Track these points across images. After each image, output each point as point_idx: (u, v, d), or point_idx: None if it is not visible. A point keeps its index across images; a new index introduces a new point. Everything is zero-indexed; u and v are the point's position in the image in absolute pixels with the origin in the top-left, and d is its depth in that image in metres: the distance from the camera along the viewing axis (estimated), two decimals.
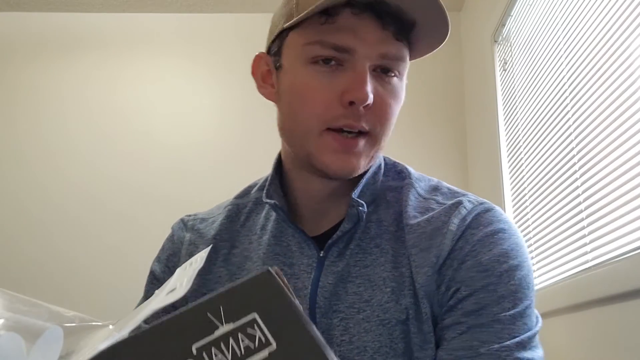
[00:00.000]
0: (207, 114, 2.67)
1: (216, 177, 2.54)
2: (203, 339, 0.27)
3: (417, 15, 0.63)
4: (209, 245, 0.73)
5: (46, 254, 2.46)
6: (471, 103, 2.60)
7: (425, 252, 0.64)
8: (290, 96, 0.67)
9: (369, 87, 0.62)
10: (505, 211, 2.05)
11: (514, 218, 2.01)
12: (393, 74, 0.66)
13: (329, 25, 0.62)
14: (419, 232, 0.66)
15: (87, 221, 2.51)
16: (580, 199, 1.46)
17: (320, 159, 0.65)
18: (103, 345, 0.28)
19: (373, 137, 0.66)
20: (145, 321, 0.36)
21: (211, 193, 2.49)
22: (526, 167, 1.89)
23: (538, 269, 1.73)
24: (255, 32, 2.76)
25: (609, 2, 1.34)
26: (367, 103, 0.62)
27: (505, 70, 2.15)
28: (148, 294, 0.75)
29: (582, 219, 1.44)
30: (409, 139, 2.52)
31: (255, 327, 0.28)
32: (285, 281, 0.30)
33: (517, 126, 2.00)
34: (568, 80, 1.57)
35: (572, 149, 1.52)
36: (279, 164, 0.75)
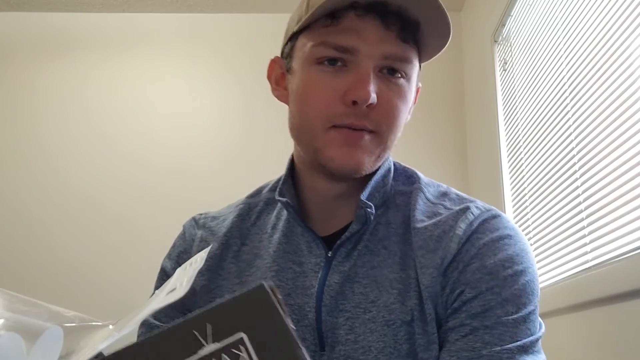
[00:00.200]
0: (207, 114, 2.67)
1: (216, 176, 2.55)
2: (186, 358, 0.27)
3: (420, 15, 0.64)
4: (220, 243, 0.75)
5: (46, 254, 2.46)
6: (471, 103, 2.60)
7: (431, 254, 0.65)
8: (297, 96, 0.69)
9: (371, 87, 0.63)
10: (505, 211, 2.05)
11: (514, 218, 2.01)
12: (399, 75, 0.66)
13: (333, 27, 0.64)
14: (427, 235, 0.67)
15: (87, 221, 2.51)
16: (580, 199, 1.46)
17: (325, 154, 0.66)
18: (103, 345, 0.28)
19: (379, 135, 0.67)
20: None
21: (211, 193, 2.51)
22: (526, 167, 1.89)
23: (538, 269, 1.73)
24: (255, 32, 2.78)
25: (609, 2, 1.34)
26: (369, 102, 0.63)
27: (505, 70, 2.15)
28: None
29: (582, 219, 1.44)
30: (409, 139, 2.51)
31: (242, 348, 0.27)
32: (280, 297, 0.30)
33: (517, 126, 2.00)
34: (568, 80, 1.57)
35: (572, 149, 1.52)
36: (292, 165, 0.77)
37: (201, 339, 0.27)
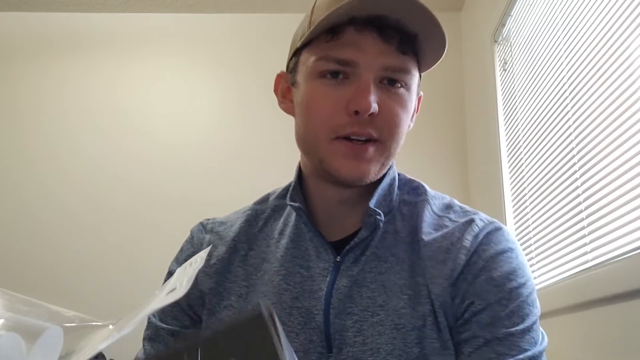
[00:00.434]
0: (206, 113, 2.67)
1: (216, 176, 2.55)
2: None
3: (417, 28, 0.66)
4: (228, 247, 0.77)
5: (46, 254, 2.46)
6: (471, 103, 2.60)
7: (441, 265, 0.68)
8: (302, 108, 0.72)
9: (372, 97, 0.66)
10: (505, 211, 2.05)
11: (514, 218, 2.01)
12: (400, 85, 0.69)
13: (334, 42, 0.67)
14: (435, 246, 0.70)
15: (87, 220, 2.51)
16: (580, 199, 1.46)
17: (331, 165, 0.69)
18: (103, 345, 0.28)
19: (382, 144, 0.69)
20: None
21: (211, 192, 2.51)
22: (526, 167, 1.89)
23: (538, 269, 1.73)
24: (255, 32, 2.78)
25: (609, 2, 1.34)
26: (371, 112, 0.66)
27: (505, 70, 2.15)
28: None
29: (582, 219, 1.44)
30: (409, 139, 2.50)
31: None
32: (276, 319, 0.30)
33: (517, 126, 2.00)
34: (568, 80, 1.57)
35: (572, 149, 1.52)
36: (299, 173, 0.79)
37: None
